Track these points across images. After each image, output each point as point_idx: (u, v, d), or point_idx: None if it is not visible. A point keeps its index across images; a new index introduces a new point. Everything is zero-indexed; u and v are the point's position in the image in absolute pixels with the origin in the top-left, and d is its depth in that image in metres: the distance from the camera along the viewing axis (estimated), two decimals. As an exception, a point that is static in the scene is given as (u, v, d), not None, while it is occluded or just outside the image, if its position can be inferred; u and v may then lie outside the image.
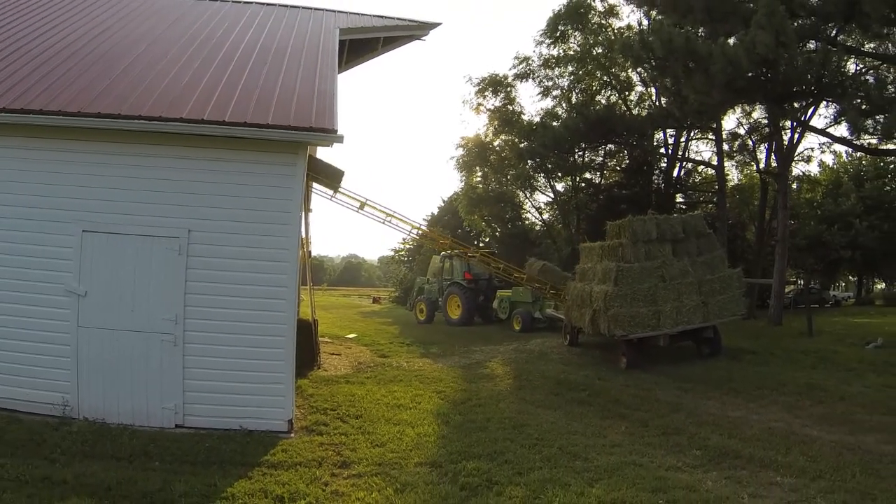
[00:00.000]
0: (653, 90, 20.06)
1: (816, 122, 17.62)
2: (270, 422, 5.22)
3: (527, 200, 24.68)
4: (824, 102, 13.79)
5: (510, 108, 21.92)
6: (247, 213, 5.36)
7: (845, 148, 20.03)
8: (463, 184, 24.58)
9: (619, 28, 20.01)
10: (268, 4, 9.09)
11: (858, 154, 22.68)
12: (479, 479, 4.18)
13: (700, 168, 22.88)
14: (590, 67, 20.50)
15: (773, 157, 18.72)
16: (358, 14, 9.25)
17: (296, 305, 5.66)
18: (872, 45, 12.75)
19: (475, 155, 23.01)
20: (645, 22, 17.61)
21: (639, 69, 18.70)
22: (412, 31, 9.53)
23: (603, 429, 5.72)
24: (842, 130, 17.66)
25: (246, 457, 4.56)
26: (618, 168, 22.68)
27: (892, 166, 23.20)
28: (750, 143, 20.34)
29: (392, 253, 41.20)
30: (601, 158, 22.09)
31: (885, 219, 22.50)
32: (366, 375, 8.55)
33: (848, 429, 5.53)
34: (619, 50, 16.80)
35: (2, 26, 6.75)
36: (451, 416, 6.09)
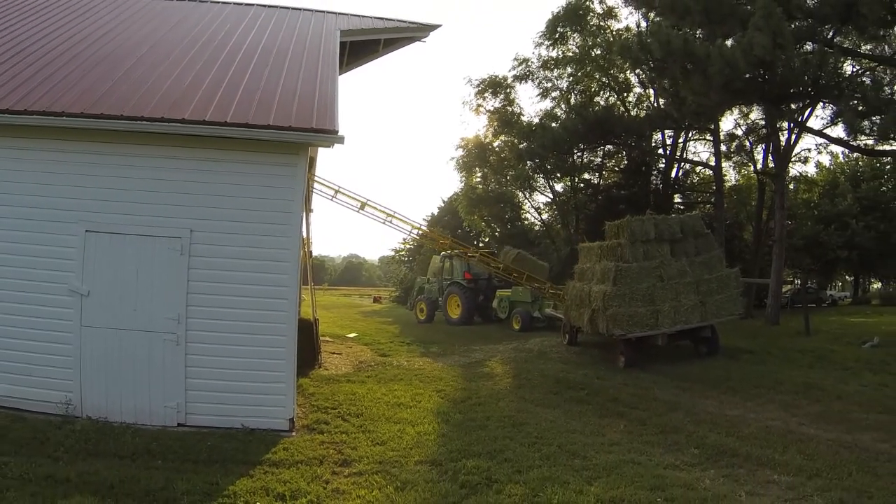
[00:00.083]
0: (651, 91, 20.13)
1: (813, 123, 17.68)
2: (272, 420, 5.26)
3: (526, 201, 24.77)
4: (821, 104, 13.88)
5: (509, 109, 21.98)
6: (248, 213, 5.40)
7: (842, 149, 20.13)
8: (463, 184, 24.66)
9: (618, 30, 20.11)
10: (269, 7, 9.13)
11: (855, 155, 22.78)
12: (478, 478, 4.20)
13: (698, 169, 22.97)
14: (588, 69, 20.57)
15: (770, 157, 18.80)
16: (359, 16, 9.29)
17: (297, 305, 5.70)
18: (869, 47, 12.82)
19: (475, 156, 23.06)
20: (643, 24, 17.72)
21: (637, 71, 18.79)
22: (412, 32, 9.57)
23: (601, 427, 5.75)
24: (838, 131, 17.72)
25: (248, 455, 4.59)
26: (616, 169, 22.75)
27: (888, 167, 23.27)
28: (747, 143, 20.43)
29: (392, 253, 41.28)
30: (600, 159, 22.15)
31: (881, 219, 22.60)
32: (366, 374, 8.58)
33: (845, 427, 5.56)
34: (618, 51, 16.88)
35: (5, 28, 6.79)
36: (451, 415, 6.12)
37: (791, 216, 21.48)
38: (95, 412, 5.13)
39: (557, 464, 4.53)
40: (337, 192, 12.45)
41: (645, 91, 20.88)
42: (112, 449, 4.49)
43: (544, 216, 24.98)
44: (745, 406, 6.54)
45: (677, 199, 22.54)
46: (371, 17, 9.36)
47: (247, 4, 9.11)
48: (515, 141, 21.22)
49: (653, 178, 21.68)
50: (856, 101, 11.03)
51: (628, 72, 20.08)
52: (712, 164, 20.19)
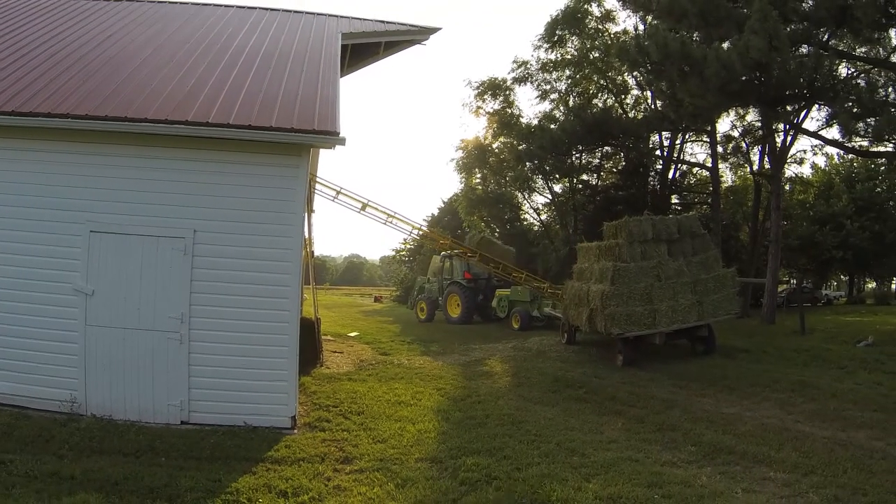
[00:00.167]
0: (648, 93, 20.23)
1: (809, 124, 17.85)
2: (274, 418, 5.31)
3: (525, 202, 24.82)
4: (816, 105, 13.97)
5: (509, 111, 22.04)
6: (251, 213, 5.45)
7: (837, 150, 20.29)
8: (463, 185, 24.70)
9: (616, 33, 20.20)
10: (271, 9, 9.19)
11: (850, 156, 22.95)
12: (478, 475, 4.23)
13: (695, 170, 23.08)
14: (587, 71, 20.65)
15: (766, 159, 18.92)
16: (360, 19, 9.35)
17: (299, 304, 5.73)
18: (864, 50, 12.94)
19: (474, 157, 23.12)
20: (641, 27, 17.78)
21: (635, 73, 18.91)
22: (413, 35, 9.63)
23: (600, 425, 5.80)
24: (833, 133, 17.91)
25: (250, 452, 4.63)
26: (614, 170, 22.83)
27: (882, 168, 23.41)
28: (743, 145, 20.55)
29: (393, 253, 41.21)
30: (598, 160, 22.23)
31: (875, 219, 22.72)
32: (367, 373, 8.63)
33: (840, 425, 5.61)
34: (616, 54, 17.01)
35: (10, 32, 6.84)
36: (451, 413, 6.17)
37: (787, 217, 21.60)
38: (100, 410, 5.17)
39: (556, 461, 4.57)
40: (338, 192, 12.51)
41: (642, 93, 20.99)
42: (116, 446, 4.54)
43: (543, 217, 25.04)
44: (742, 404, 6.59)
45: (675, 199, 22.64)
46: (372, 21, 9.42)
47: (249, 8, 9.17)
48: (514, 142, 21.27)
49: (650, 179, 21.77)
50: (851, 103, 11.12)
51: (626, 74, 20.18)
52: (709, 165, 20.30)
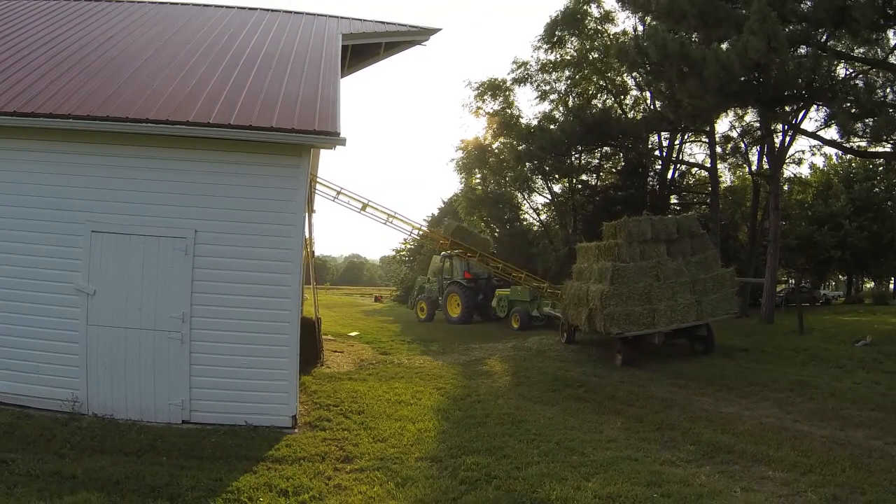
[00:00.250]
0: (647, 94, 20.25)
1: (807, 125, 17.79)
2: (275, 417, 5.33)
3: (525, 202, 24.84)
4: (815, 106, 13.98)
5: (508, 111, 22.06)
6: (252, 213, 5.47)
7: (835, 150, 20.33)
8: (462, 185, 24.73)
9: (615, 33, 20.21)
10: (272, 11, 9.22)
11: (848, 156, 23.00)
12: (478, 474, 4.25)
13: (694, 170, 23.12)
14: (586, 72, 20.68)
15: (764, 159, 18.98)
16: (360, 20, 9.38)
17: (299, 304, 5.75)
18: (862, 50, 12.97)
19: (474, 157, 23.13)
20: (640, 27, 17.80)
21: (634, 74, 18.94)
22: (413, 36, 9.65)
23: (599, 424, 5.83)
24: (832, 133, 17.99)
25: (251, 451, 4.65)
26: (613, 170, 22.86)
27: (880, 168, 23.47)
28: (742, 145, 20.59)
29: (393, 253, 41.19)
30: (597, 161, 22.26)
31: (874, 219, 22.75)
32: (368, 372, 8.65)
33: (838, 424, 5.62)
34: (615, 55, 17.04)
35: (12, 33, 6.86)
36: (451, 412, 6.19)
37: (785, 217, 21.62)
38: (101, 409, 5.19)
39: (556, 460, 4.59)
40: (339, 193, 12.53)
41: (642, 94, 21.02)
42: (118, 446, 4.55)
43: (543, 217, 25.07)
44: (740, 403, 6.61)
45: (674, 199, 22.68)
46: (372, 21, 9.44)
47: (250, 9, 9.19)
48: (514, 143, 21.29)
49: (649, 179, 21.80)
50: (849, 104, 11.15)
51: (625, 75, 20.21)
52: (708, 165, 20.34)
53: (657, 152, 21.52)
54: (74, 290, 5.31)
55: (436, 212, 33.96)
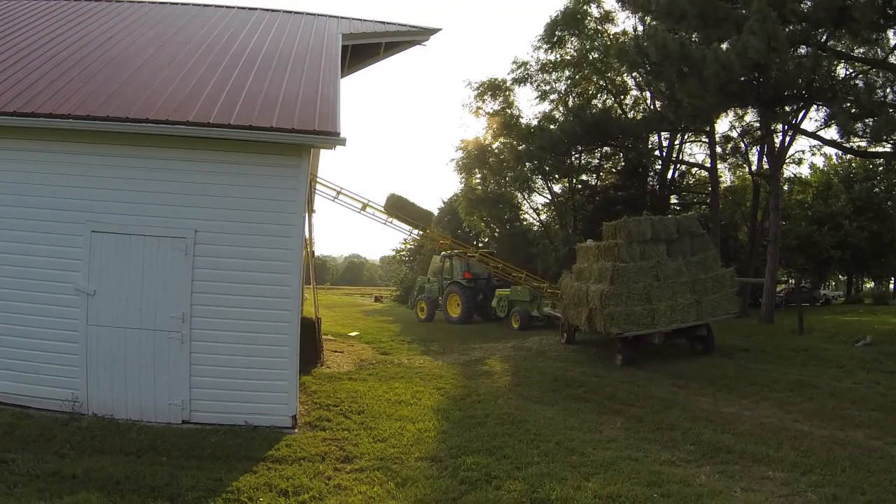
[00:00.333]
0: (647, 94, 20.25)
1: (807, 125, 17.79)
2: (275, 417, 5.33)
3: (525, 202, 24.84)
4: (815, 106, 13.99)
5: (508, 111, 22.04)
6: (252, 213, 5.47)
7: (835, 150, 20.33)
8: (462, 185, 24.69)
9: (615, 33, 20.21)
10: (272, 11, 9.22)
11: (848, 156, 23.00)
12: (478, 474, 4.26)
13: (694, 170, 23.12)
14: (586, 72, 20.67)
15: (764, 159, 18.98)
16: (360, 20, 9.38)
17: (299, 304, 5.75)
18: (862, 50, 12.97)
19: (474, 157, 23.12)
20: (640, 27, 17.81)
21: (634, 74, 18.93)
22: (413, 36, 9.66)
23: (599, 424, 5.83)
24: (832, 133, 17.99)
25: (251, 451, 4.65)
26: (613, 170, 22.86)
27: (880, 168, 23.47)
28: (742, 145, 20.59)
29: (393, 253, 41.18)
30: (597, 161, 22.26)
31: (874, 219, 22.75)
32: (368, 372, 8.66)
33: (838, 424, 5.63)
34: (615, 55, 17.03)
35: (12, 33, 6.86)
36: (451, 412, 6.19)
37: (785, 217, 21.63)
38: (101, 409, 5.19)
39: (556, 460, 4.59)
40: (339, 193, 12.53)
41: (642, 94, 21.02)
42: (118, 446, 4.56)
43: (543, 217, 25.07)
44: (740, 403, 6.61)
45: (673, 199, 22.68)
46: (372, 21, 9.45)
47: (250, 9, 9.20)
48: (514, 143, 21.29)
49: (649, 179, 21.80)
50: (849, 104, 11.15)
51: (625, 75, 20.20)
52: (708, 165, 20.35)
53: (657, 152, 21.53)
54: (74, 290, 5.31)
55: (436, 212, 33.93)
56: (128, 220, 5.37)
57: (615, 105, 21.14)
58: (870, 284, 31.38)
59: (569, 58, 20.75)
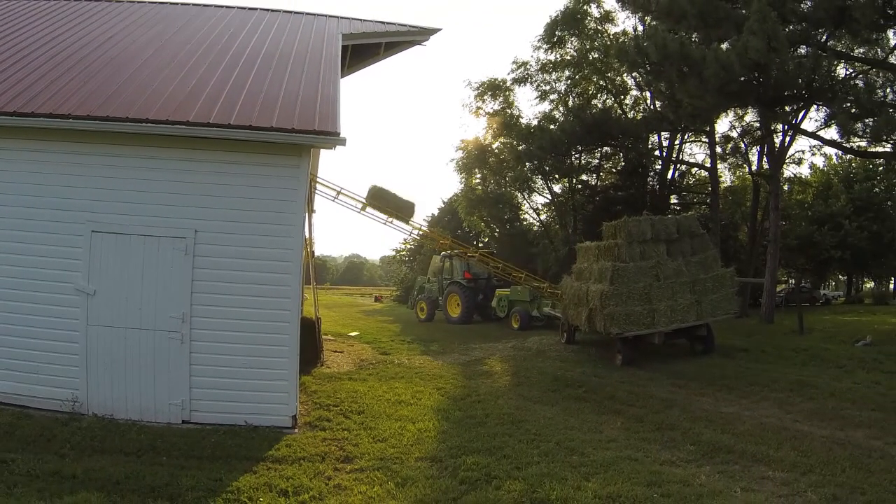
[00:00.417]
0: (647, 94, 20.24)
1: (807, 125, 17.78)
2: (275, 417, 5.33)
3: (525, 202, 24.84)
4: (815, 106, 13.99)
5: (508, 111, 22.04)
6: (252, 213, 5.47)
7: (835, 150, 20.33)
8: (462, 185, 24.69)
9: (615, 33, 20.20)
10: (272, 11, 9.23)
11: (848, 156, 23.00)
12: (478, 474, 4.26)
13: (694, 170, 23.12)
14: (586, 72, 20.67)
15: (764, 159, 18.97)
16: (360, 20, 9.39)
17: (299, 304, 5.75)
18: (862, 50, 12.97)
19: (474, 157, 23.12)
20: (640, 27, 17.81)
21: (634, 74, 18.93)
22: (413, 36, 9.66)
23: (599, 424, 5.83)
24: (832, 133, 17.99)
25: (251, 451, 4.65)
26: (613, 170, 22.86)
27: (880, 168, 23.47)
28: (742, 145, 20.59)
29: (393, 253, 41.19)
30: (597, 161, 22.26)
31: (874, 219, 22.75)
32: (368, 372, 8.66)
33: (838, 424, 5.63)
34: (615, 55, 17.03)
35: (12, 33, 6.86)
36: (451, 412, 6.20)
37: (785, 217, 21.63)
38: (101, 409, 5.20)
39: (556, 460, 4.59)
40: (339, 193, 12.54)
41: (642, 94, 21.01)
42: (118, 446, 4.56)
43: (543, 217, 25.06)
44: (740, 403, 6.61)
45: (673, 199, 22.68)
46: (372, 21, 9.45)
47: (250, 9, 9.21)
48: (514, 143, 21.29)
49: (649, 179, 21.80)
50: (849, 104, 11.15)
51: (625, 75, 20.19)
52: (708, 165, 20.35)
53: (657, 152, 21.53)
54: (74, 290, 5.31)
55: (436, 212, 33.98)
56: (128, 220, 5.37)
57: (615, 105, 21.14)
58: (870, 284, 31.39)
59: (569, 58, 20.75)
